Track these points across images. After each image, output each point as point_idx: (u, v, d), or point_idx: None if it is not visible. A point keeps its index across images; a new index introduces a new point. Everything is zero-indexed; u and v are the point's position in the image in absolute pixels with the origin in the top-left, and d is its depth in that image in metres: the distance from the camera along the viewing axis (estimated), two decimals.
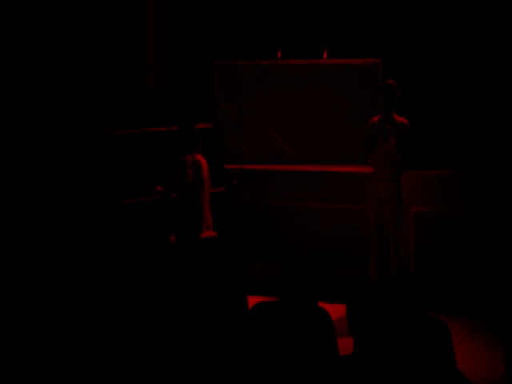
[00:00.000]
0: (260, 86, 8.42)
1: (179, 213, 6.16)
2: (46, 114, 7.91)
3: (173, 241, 6.48)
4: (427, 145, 8.04)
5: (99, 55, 8.78)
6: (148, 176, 7.20)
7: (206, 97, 8.72)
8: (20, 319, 5.72)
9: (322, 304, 4.01)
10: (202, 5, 9.37)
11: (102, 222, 6.90)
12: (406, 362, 3.63)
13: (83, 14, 8.56)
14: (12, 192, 7.34)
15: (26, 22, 7.96)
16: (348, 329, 3.63)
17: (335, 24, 8.84)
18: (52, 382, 4.84)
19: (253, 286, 7.38)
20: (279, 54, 8.60)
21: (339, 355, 3.91)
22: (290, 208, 7.93)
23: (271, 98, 8.37)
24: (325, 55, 8.55)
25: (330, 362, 3.79)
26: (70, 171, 7.23)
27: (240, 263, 7.31)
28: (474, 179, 7.37)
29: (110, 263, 6.75)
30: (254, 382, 3.82)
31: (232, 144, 7.82)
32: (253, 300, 4.21)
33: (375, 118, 6.68)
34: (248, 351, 3.87)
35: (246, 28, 9.24)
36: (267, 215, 7.98)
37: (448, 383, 3.71)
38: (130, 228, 6.93)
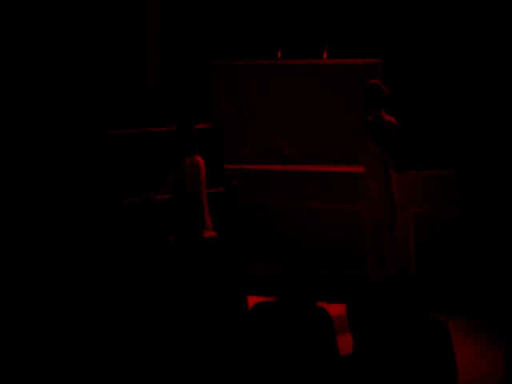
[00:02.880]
0: (260, 86, 8.42)
1: (182, 213, 6.15)
2: (46, 114, 7.91)
3: (171, 241, 6.48)
4: (427, 145, 8.04)
5: (99, 56, 8.78)
6: (148, 176, 7.20)
7: (205, 97, 8.72)
8: (21, 319, 5.72)
9: (321, 304, 4.01)
10: (201, 5, 9.37)
11: (102, 221, 6.90)
12: (405, 361, 3.63)
13: (83, 14, 8.56)
14: (12, 192, 7.34)
15: (26, 23, 7.96)
16: (349, 327, 3.62)
17: (335, 24, 8.84)
18: (52, 382, 4.85)
19: (253, 286, 7.37)
20: (279, 54, 8.60)
21: (339, 355, 3.91)
22: (289, 208, 7.93)
23: (271, 98, 8.38)
24: (325, 55, 8.55)
25: (329, 361, 3.79)
26: (70, 171, 7.23)
27: (240, 263, 7.31)
28: (474, 179, 7.37)
29: (109, 263, 6.75)
30: (253, 382, 3.82)
31: (232, 144, 7.82)
32: (253, 300, 4.21)
33: (369, 119, 6.71)
34: (248, 351, 3.87)
35: (245, 28, 9.24)
36: (267, 215, 7.98)
37: (448, 383, 3.71)
38: (131, 229, 6.92)
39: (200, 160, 6.80)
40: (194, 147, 6.77)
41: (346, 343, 4.05)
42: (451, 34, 8.38)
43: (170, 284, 4.51)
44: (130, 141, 7.25)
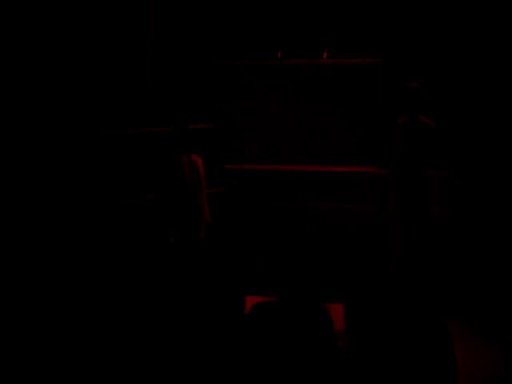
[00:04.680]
0: (260, 86, 8.42)
1: (178, 212, 6.16)
2: (46, 114, 7.91)
3: (172, 241, 6.49)
4: None
5: (99, 56, 8.78)
6: (147, 176, 7.20)
7: (205, 97, 8.73)
8: (21, 320, 5.72)
9: (321, 304, 4.01)
10: (201, 5, 9.38)
11: (102, 221, 6.90)
12: (405, 362, 3.63)
13: (84, 14, 8.56)
14: (12, 192, 7.34)
15: (27, 24, 7.96)
16: (345, 327, 3.63)
17: (335, 24, 8.85)
18: (52, 382, 4.85)
19: (253, 286, 7.38)
20: (279, 54, 8.61)
21: (340, 355, 3.91)
22: (290, 208, 7.94)
23: (271, 98, 8.38)
24: (325, 55, 8.56)
25: (330, 361, 3.79)
26: (70, 171, 7.23)
27: (240, 263, 7.31)
28: (473, 180, 7.37)
29: (110, 262, 6.75)
30: (253, 382, 3.82)
31: (232, 144, 7.83)
32: (253, 300, 4.21)
33: (399, 121, 6.62)
34: (248, 351, 3.87)
35: (245, 28, 9.25)
36: (267, 215, 7.98)
37: (448, 383, 3.71)
38: (132, 229, 6.93)
39: (198, 159, 6.81)
40: (189, 146, 6.77)
41: (346, 343, 4.05)
42: (450, 34, 8.39)
43: (169, 283, 4.51)
44: (129, 141, 7.26)
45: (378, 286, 3.65)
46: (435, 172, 7.60)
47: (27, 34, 7.98)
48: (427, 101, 6.57)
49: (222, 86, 8.53)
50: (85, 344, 5.14)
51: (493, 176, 7.34)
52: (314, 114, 8.26)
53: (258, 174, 8.09)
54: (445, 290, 7.10)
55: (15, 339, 5.37)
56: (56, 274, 6.61)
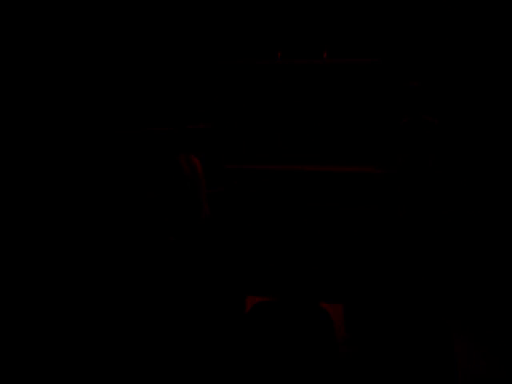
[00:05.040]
0: (260, 86, 8.43)
1: (178, 212, 6.17)
2: (46, 114, 7.91)
3: (172, 241, 6.49)
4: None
5: (99, 56, 8.78)
6: (147, 176, 7.20)
7: (205, 97, 8.73)
8: (20, 318, 5.72)
9: (322, 304, 4.01)
10: (201, 5, 9.37)
11: (102, 221, 6.90)
12: (405, 362, 3.63)
13: (84, 14, 8.56)
14: (11, 192, 7.34)
15: (28, 24, 7.96)
16: (345, 327, 3.64)
17: (335, 24, 8.85)
18: (52, 381, 4.85)
19: (253, 286, 7.38)
20: (279, 54, 8.61)
21: (339, 355, 3.91)
22: (290, 208, 7.94)
23: (271, 98, 8.39)
24: (325, 55, 8.56)
25: (329, 361, 3.79)
26: (70, 171, 7.23)
27: (240, 263, 7.32)
28: (473, 179, 7.38)
29: (110, 262, 6.76)
30: (253, 382, 3.82)
31: (232, 144, 7.83)
32: (253, 300, 4.21)
33: (403, 121, 6.64)
34: (247, 351, 3.88)
35: (246, 28, 9.25)
36: (267, 215, 7.98)
37: (448, 383, 3.71)
38: (132, 229, 6.93)
39: (195, 159, 6.82)
40: (189, 145, 6.78)
41: (345, 344, 4.05)
42: (450, 35, 8.40)
43: (169, 283, 4.51)
44: (129, 141, 7.26)
45: (379, 286, 3.65)
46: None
47: (27, 34, 7.98)
48: (428, 101, 6.58)
49: (221, 86, 8.54)
50: (84, 344, 5.15)
51: (493, 176, 7.34)
52: (313, 114, 8.27)
53: (258, 173, 8.09)
54: (445, 291, 7.10)
55: (15, 338, 5.38)
56: (56, 274, 6.61)
